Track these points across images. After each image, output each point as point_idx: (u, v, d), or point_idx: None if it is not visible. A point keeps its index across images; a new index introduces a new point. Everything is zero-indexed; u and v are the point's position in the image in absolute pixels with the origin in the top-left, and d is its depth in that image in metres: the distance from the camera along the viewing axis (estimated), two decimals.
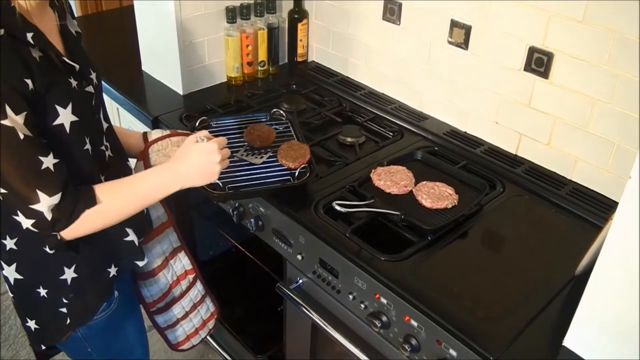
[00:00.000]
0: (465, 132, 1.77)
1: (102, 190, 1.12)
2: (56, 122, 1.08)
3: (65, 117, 1.09)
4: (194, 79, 1.97)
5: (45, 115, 1.06)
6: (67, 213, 1.07)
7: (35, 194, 1.03)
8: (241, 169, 1.48)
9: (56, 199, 1.05)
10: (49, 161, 1.04)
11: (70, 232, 1.10)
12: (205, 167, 1.22)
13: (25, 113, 1.01)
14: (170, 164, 1.23)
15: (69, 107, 1.09)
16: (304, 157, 1.47)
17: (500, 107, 1.65)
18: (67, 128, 1.10)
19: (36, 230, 1.08)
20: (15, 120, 0.99)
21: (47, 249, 1.17)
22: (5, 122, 0.99)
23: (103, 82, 1.39)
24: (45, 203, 1.04)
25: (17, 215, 1.07)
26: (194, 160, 1.21)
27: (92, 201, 1.10)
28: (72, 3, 3.45)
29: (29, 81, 1.01)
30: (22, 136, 1.00)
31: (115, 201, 1.14)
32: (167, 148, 1.44)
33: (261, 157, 1.52)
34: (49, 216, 1.05)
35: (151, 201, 1.21)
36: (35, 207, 1.04)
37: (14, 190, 1.03)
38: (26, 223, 1.07)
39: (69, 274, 1.21)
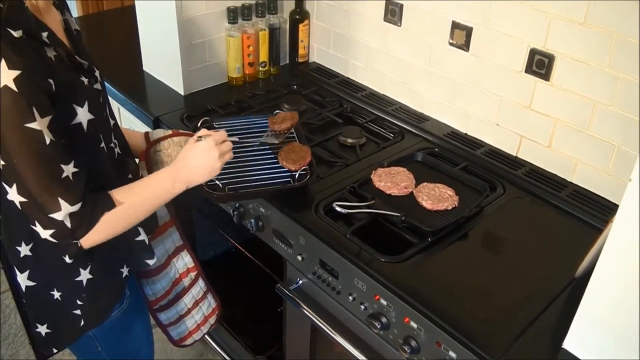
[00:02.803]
0: (466, 134, 1.77)
1: (118, 194, 1.13)
2: (74, 122, 1.08)
3: (82, 116, 1.09)
4: (195, 79, 1.97)
5: (65, 115, 1.06)
6: (86, 219, 1.07)
7: (56, 201, 1.03)
8: (242, 169, 1.48)
9: (76, 207, 1.05)
10: (69, 170, 1.04)
11: (89, 239, 1.10)
12: (206, 164, 1.24)
13: (50, 117, 1.00)
14: (174, 166, 1.25)
15: (85, 106, 1.09)
16: (304, 159, 1.47)
17: (501, 108, 1.65)
18: (85, 127, 1.10)
19: (55, 240, 1.07)
20: (42, 123, 0.98)
21: (67, 258, 1.17)
22: (33, 125, 0.97)
23: (105, 82, 1.40)
24: (65, 211, 1.04)
25: (35, 225, 1.06)
26: (195, 160, 1.23)
27: (109, 205, 1.10)
28: (73, 3, 3.45)
29: (51, 81, 1.00)
30: (48, 141, 1.00)
31: (130, 204, 1.14)
32: (169, 148, 1.44)
33: (279, 138, 1.55)
34: (68, 224, 1.05)
35: (160, 203, 1.22)
36: (54, 215, 1.03)
37: (34, 198, 1.02)
38: (44, 234, 1.06)
39: (85, 275, 1.22)
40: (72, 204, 1.04)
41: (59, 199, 1.03)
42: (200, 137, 1.25)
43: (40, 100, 0.98)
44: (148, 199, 1.19)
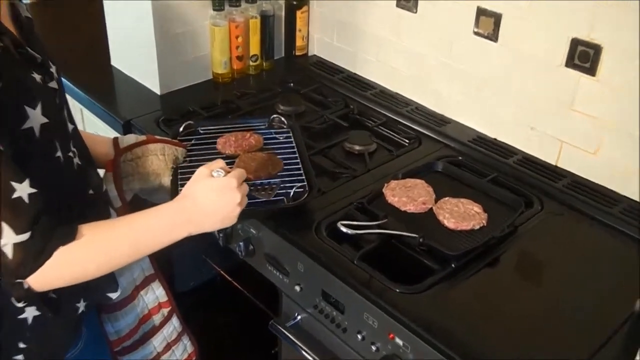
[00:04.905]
0: (495, 139, 1.78)
1: (87, 227, 1.07)
2: (25, 126, 1.05)
3: (35, 119, 1.06)
4: (174, 76, 2.00)
5: (13, 119, 1.03)
6: (34, 252, 1.01)
7: None
8: None
9: (24, 236, 1.00)
10: (23, 189, 0.99)
11: (40, 280, 1.03)
12: (223, 209, 1.17)
13: None
14: (180, 203, 1.18)
15: (39, 108, 1.07)
16: (266, 169, 1.47)
17: (537, 109, 1.66)
18: (37, 132, 1.07)
19: None
20: None
21: (14, 301, 1.12)
22: None
23: (64, 80, 1.40)
24: (9, 240, 0.98)
25: None
26: (211, 200, 1.17)
27: (69, 237, 1.04)
28: None
29: None
30: None
31: (102, 241, 1.09)
32: (142, 157, 1.43)
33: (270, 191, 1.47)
34: (11, 257, 0.99)
35: (148, 248, 1.16)
36: None
37: None
38: None
39: (30, 311, 1.17)
40: (18, 232, 0.98)
41: (2, 224, 0.97)
42: (218, 171, 1.18)
43: None
44: (127, 240, 1.12)
